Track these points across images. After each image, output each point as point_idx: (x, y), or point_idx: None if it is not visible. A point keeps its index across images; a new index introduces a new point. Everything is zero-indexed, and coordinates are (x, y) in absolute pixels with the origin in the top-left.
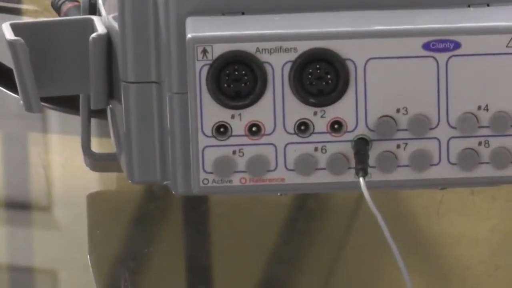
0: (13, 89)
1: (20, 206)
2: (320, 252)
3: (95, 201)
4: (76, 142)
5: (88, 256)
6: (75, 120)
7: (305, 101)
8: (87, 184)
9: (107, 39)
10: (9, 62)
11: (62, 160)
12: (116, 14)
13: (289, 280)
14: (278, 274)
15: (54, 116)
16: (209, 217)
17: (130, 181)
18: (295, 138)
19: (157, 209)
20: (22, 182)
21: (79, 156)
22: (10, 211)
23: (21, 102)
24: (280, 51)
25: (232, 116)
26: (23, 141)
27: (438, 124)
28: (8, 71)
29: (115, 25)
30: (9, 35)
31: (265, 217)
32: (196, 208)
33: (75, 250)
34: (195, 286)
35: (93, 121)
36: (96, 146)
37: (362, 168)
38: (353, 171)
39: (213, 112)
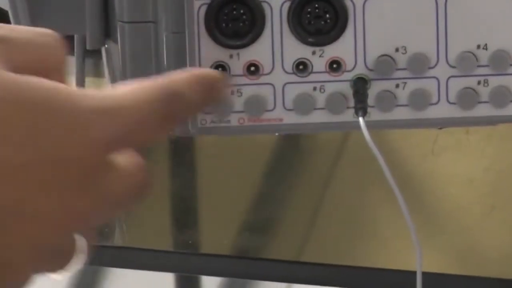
0: None
1: None
2: (307, 189)
3: None
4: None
5: None
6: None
7: (304, 40)
8: None
9: None
10: (3, 4)
11: None
12: None
13: (276, 217)
14: (264, 213)
15: None
16: (200, 155)
17: None
18: (294, 78)
19: (148, 149)
20: None
21: None
22: None
23: None
24: None
25: (230, 56)
26: None
27: (437, 63)
28: (3, 14)
29: None
30: None
31: (253, 155)
32: (188, 147)
33: None
34: (184, 224)
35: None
36: (88, 85)
37: (361, 107)
38: (351, 110)
39: (211, 51)
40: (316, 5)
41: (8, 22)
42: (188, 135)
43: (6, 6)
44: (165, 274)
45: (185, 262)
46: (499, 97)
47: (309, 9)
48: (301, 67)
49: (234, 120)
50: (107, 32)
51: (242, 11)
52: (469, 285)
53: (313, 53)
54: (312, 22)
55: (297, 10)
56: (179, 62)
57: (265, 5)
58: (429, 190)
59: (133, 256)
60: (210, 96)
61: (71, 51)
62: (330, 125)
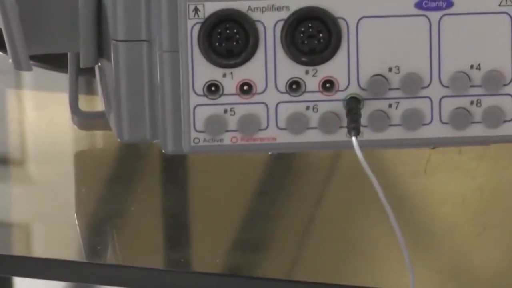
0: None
1: (3, 162)
2: (299, 208)
3: (81, 159)
4: (59, 99)
5: (75, 215)
6: (56, 77)
7: (297, 60)
8: (69, 141)
9: None
10: None
11: (47, 117)
12: None
13: (269, 236)
14: (256, 231)
15: (34, 73)
16: (192, 173)
17: (119, 140)
18: (287, 97)
19: (144, 166)
20: (8, 138)
21: (65, 114)
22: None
23: (10, 60)
24: (272, 10)
25: (224, 75)
26: (5, 98)
27: (430, 83)
28: None
29: None
30: None
31: (245, 173)
32: (180, 164)
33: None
34: (177, 242)
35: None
36: (81, 103)
37: (354, 127)
38: (344, 130)
39: (204, 70)
40: (310, 25)
41: (2, 38)
42: (180, 153)
43: (0, 24)
44: None
45: (177, 280)
46: (492, 117)
47: (302, 29)
48: (294, 86)
49: (227, 138)
50: (101, 50)
51: (235, 30)
52: None
53: (306, 72)
54: (306, 42)
55: (290, 29)
56: (173, 80)
57: (258, 24)
58: (422, 209)
59: (126, 274)
60: None
61: (64, 69)
62: (323, 144)
